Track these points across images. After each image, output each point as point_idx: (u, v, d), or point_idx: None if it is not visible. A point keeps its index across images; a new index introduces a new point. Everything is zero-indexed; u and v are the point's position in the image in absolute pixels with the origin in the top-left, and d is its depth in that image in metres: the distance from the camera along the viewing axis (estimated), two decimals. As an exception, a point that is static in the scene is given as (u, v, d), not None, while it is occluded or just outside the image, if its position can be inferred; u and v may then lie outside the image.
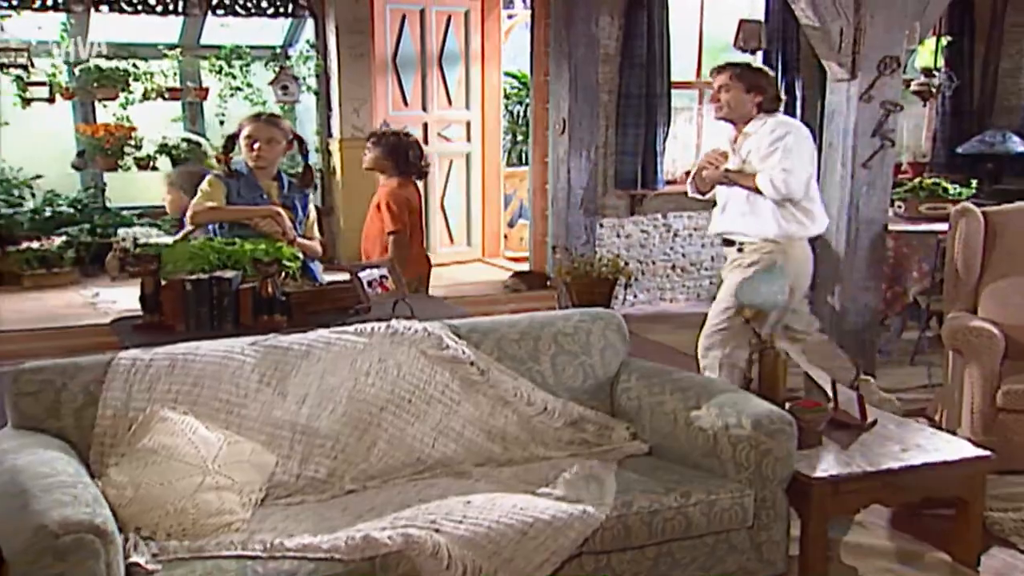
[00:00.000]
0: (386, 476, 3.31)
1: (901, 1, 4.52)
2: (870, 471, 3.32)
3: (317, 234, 4.48)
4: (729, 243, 4.68)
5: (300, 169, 4.61)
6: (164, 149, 8.38)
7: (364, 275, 3.64)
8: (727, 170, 4.52)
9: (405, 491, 3.19)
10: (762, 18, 7.54)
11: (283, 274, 3.68)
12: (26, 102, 7.68)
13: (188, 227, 4.39)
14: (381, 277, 3.68)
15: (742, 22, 7.11)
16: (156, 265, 3.57)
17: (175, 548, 2.76)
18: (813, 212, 4.53)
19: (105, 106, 8.22)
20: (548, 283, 7.56)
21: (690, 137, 8.30)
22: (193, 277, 3.50)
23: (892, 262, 5.78)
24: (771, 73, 4.64)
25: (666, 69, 7.44)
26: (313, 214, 4.47)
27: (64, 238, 7.91)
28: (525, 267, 8.03)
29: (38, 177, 8.29)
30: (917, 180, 6.62)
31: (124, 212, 8.50)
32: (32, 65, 7.46)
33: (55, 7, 7.21)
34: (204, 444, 3.00)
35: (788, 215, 4.46)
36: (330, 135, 8.30)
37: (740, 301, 4.11)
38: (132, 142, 8.28)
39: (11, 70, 7.36)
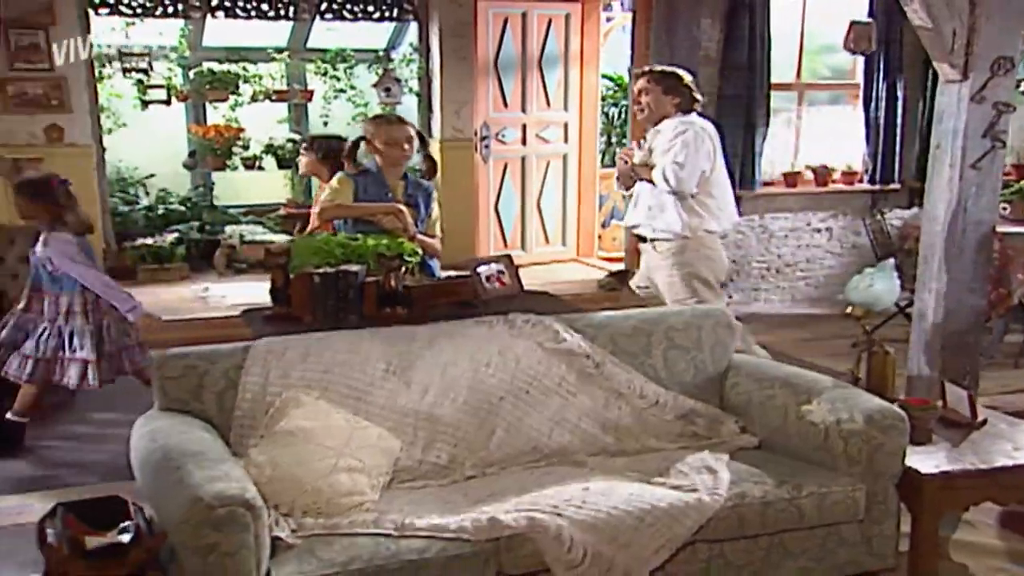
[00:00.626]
0: (504, 464, 3.43)
1: (1017, 1, 4.50)
2: (982, 468, 3.35)
3: (439, 232, 4.65)
4: (642, 239, 5.09)
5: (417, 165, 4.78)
6: (270, 149, 8.67)
7: (482, 270, 3.77)
8: (633, 165, 4.95)
9: (523, 478, 3.31)
10: (867, 19, 7.49)
11: (403, 269, 3.83)
12: (145, 104, 8.01)
13: (315, 223, 4.59)
14: (498, 272, 3.81)
15: (853, 24, 7.08)
16: (286, 259, 3.75)
17: (311, 525, 2.93)
18: (710, 207, 4.88)
19: (216, 108, 8.53)
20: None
21: (788, 138, 8.29)
22: (321, 271, 3.66)
23: (997, 264, 5.73)
24: (687, 76, 4.96)
25: (766, 72, 7.47)
26: (436, 213, 4.64)
27: (175, 235, 8.21)
28: (619, 267, 8.10)
29: (151, 176, 8.65)
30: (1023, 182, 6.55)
31: (230, 210, 8.81)
32: (151, 69, 7.80)
33: (175, 14, 7.53)
34: (336, 428, 3.16)
35: (688, 208, 4.84)
36: (431, 136, 8.48)
37: (851, 300, 4.15)
38: (240, 142, 8.57)
39: (133, 74, 7.71)
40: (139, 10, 7.38)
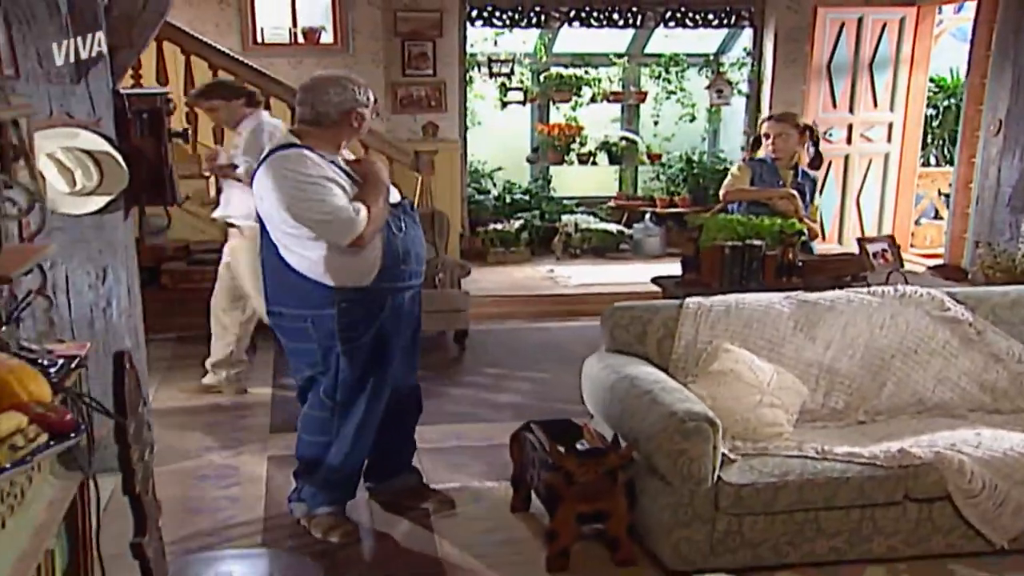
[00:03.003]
0: (892, 412, 4.00)
1: None
2: None
3: (819, 218, 5.23)
4: (232, 225, 5.32)
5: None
6: (604, 146, 9.51)
7: (871, 247, 4.34)
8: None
9: (911, 425, 3.88)
10: None
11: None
12: (504, 105, 9.05)
13: (720, 204, 5.30)
14: (883, 250, 4.36)
15: None
16: (697, 235, 4.46)
17: (742, 447, 3.62)
18: None
19: (558, 108, 9.46)
20: (968, 276, 7.85)
21: None
22: (730, 244, 4.34)
23: None
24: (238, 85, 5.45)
25: None
26: (818, 200, 5.23)
27: (520, 222, 9.18)
28: (936, 262, 8.33)
29: (499, 169, 9.68)
30: None
31: (565, 201, 9.72)
32: (513, 73, 8.83)
33: (538, 24, 8.49)
34: (760, 371, 3.83)
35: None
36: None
37: None
38: (578, 140, 9.45)
39: (498, 78, 8.76)
40: (508, 21, 8.39)
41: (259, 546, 3.75)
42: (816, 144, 5.24)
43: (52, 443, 1.79)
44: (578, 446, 3.62)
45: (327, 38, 7.98)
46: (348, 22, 7.90)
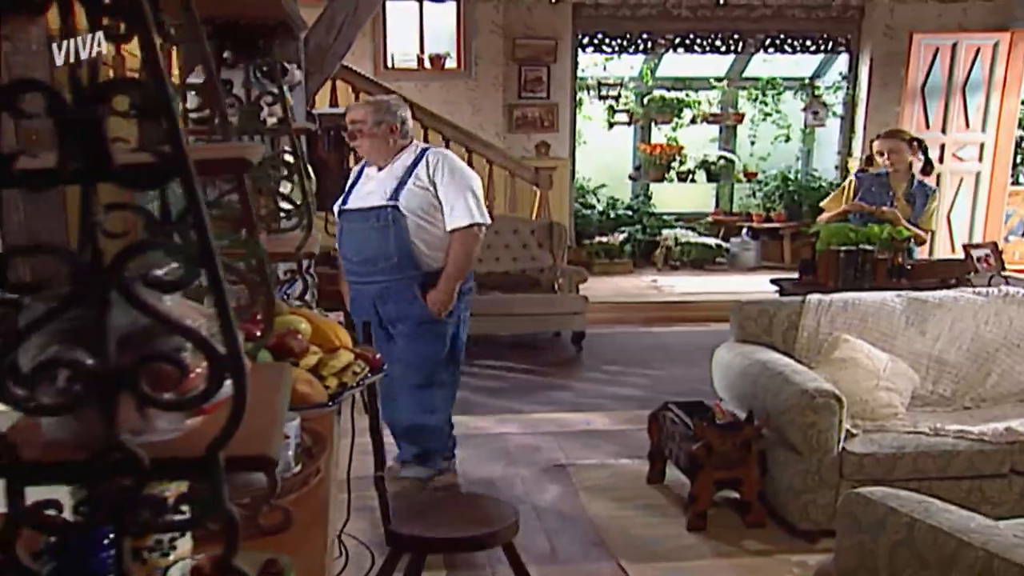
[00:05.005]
0: (996, 400, 4.45)
1: None
2: None
3: (931, 226, 5.68)
4: None
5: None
6: (703, 165, 10.04)
7: (975, 253, 4.80)
8: None
9: (1013, 411, 4.31)
10: None
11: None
12: (611, 125, 9.64)
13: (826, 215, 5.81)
14: (986, 255, 4.82)
15: None
16: (815, 239, 4.97)
17: (861, 425, 4.10)
18: None
19: (660, 128, 10.01)
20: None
21: None
22: (844, 248, 4.84)
23: None
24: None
25: None
26: (931, 208, 5.66)
27: (624, 235, 9.74)
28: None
29: (602, 186, 10.25)
30: None
31: (665, 216, 10.25)
32: (619, 96, 9.42)
33: (644, 51, 9.07)
34: (876, 359, 4.31)
35: None
36: (850, 154, 9.48)
37: None
38: (678, 158, 9.99)
39: (606, 100, 9.36)
40: (617, 48, 8.97)
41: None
42: (925, 152, 5.69)
43: (370, 374, 2.37)
44: (717, 421, 4.15)
45: (451, 63, 8.62)
46: (471, 49, 8.54)
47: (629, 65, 9.58)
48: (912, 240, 5.25)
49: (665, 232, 9.92)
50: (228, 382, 1.00)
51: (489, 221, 4.32)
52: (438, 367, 4.34)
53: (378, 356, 2.42)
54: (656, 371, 6.69)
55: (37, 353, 1.03)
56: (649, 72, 9.71)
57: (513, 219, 7.81)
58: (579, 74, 9.17)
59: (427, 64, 8.60)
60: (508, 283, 7.50)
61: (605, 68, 9.46)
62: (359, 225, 4.28)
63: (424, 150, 4.32)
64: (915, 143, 5.60)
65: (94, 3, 0.94)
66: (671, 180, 10.12)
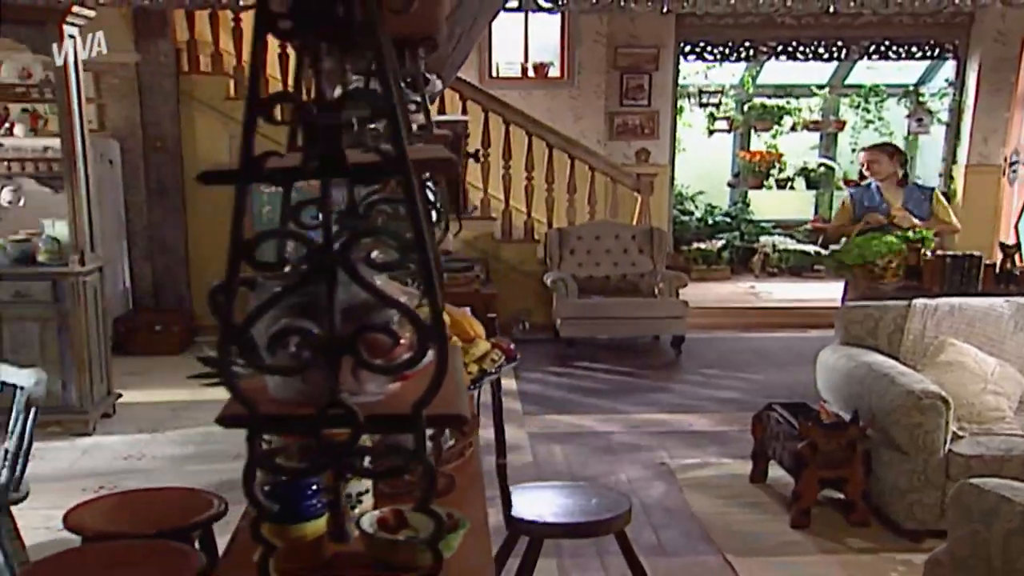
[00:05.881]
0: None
1: None
2: None
3: (952, 218, 5.82)
4: None
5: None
6: (802, 172, 10.04)
7: (1085, 260, 4.80)
8: None
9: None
10: None
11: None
12: (711, 133, 9.72)
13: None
14: (1097, 263, 4.82)
15: None
16: (920, 247, 5.02)
17: (967, 428, 4.14)
18: None
19: (759, 136, 10.05)
20: None
21: None
22: (951, 254, 4.88)
23: None
24: None
25: None
26: (941, 204, 5.80)
27: (722, 241, 9.79)
28: None
29: (700, 193, 10.32)
30: None
31: (763, 223, 10.27)
32: (720, 104, 9.49)
33: (746, 58, 9.13)
34: (983, 363, 4.35)
35: None
36: (955, 162, 9.38)
37: None
38: (777, 165, 10.01)
39: (707, 108, 9.45)
40: (719, 56, 9.05)
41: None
42: (903, 164, 5.92)
43: (506, 363, 2.56)
44: (822, 421, 4.24)
45: (554, 72, 8.80)
46: (574, 57, 8.72)
47: (730, 72, 9.63)
48: (939, 235, 5.54)
49: (763, 239, 9.94)
50: (429, 352, 1.19)
51: None
52: None
53: (511, 346, 2.60)
54: (755, 375, 6.77)
55: (271, 323, 1.23)
56: (750, 79, 9.75)
57: (614, 224, 7.95)
58: (680, 82, 9.26)
59: (531, 73, 8.78)
60: (609, 287, 7.66)
61: (706, 76, 9.55)
62: None
63: None
64: (896, 154, 5.85)
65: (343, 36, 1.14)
66: (770, 187, 10.14)
